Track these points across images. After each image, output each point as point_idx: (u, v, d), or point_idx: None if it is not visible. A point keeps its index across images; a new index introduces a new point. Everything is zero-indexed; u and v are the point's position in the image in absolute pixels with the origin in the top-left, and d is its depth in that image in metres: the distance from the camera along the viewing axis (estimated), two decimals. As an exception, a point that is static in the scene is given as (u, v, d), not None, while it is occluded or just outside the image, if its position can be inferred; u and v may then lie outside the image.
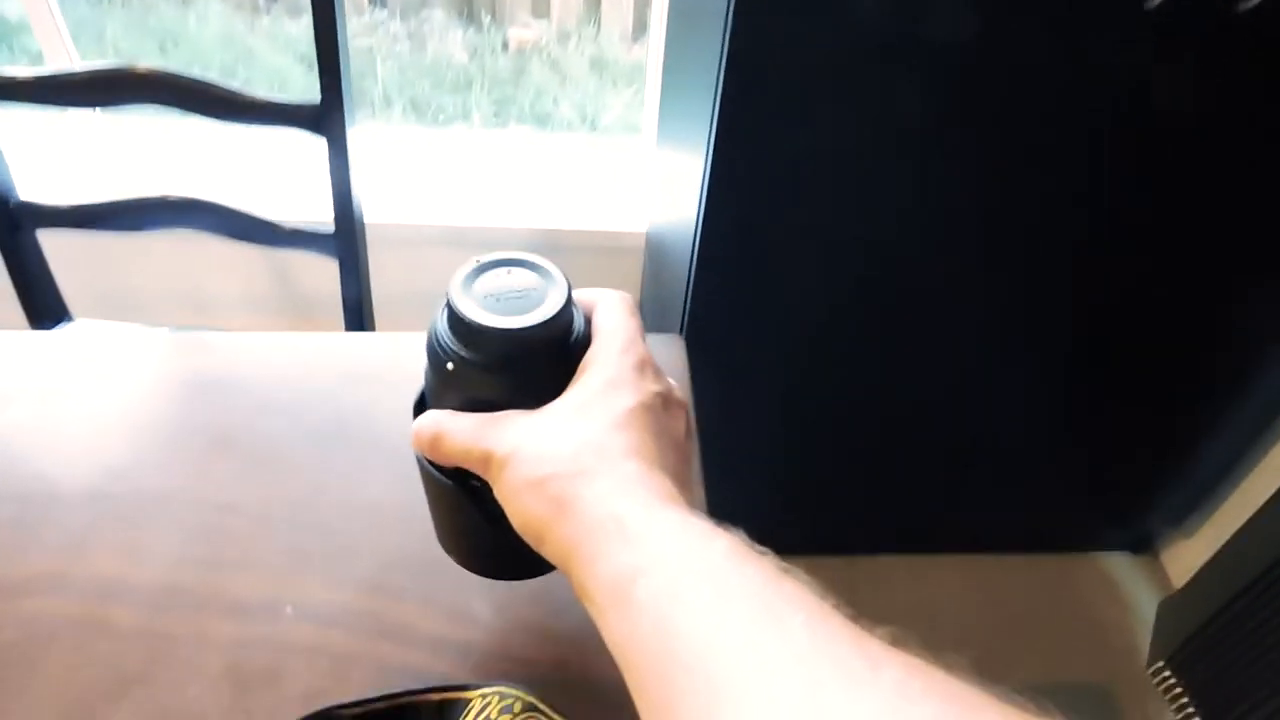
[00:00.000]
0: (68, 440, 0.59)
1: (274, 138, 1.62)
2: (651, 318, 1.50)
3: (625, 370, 0.39)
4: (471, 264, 0.41)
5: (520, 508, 0.36)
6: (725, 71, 0.94)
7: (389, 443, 0.61)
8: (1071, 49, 0.95)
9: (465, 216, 1.62)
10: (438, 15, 2.27)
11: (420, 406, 0.45)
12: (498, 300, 0.39)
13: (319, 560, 0.54)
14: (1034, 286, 1.19)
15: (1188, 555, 1.46)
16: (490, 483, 0.38)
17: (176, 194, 1.04)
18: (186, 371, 0.66)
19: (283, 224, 1.04)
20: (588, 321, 0.42)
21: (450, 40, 2.32)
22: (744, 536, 0.32)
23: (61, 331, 1.11)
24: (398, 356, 0.68)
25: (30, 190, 1.04)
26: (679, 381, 0.43)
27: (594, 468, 0.35)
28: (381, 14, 2.22)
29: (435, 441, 0.39)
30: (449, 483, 0.43)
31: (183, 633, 0.49)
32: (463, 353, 0.39)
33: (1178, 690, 1.31)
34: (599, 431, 0.36)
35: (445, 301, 0.40)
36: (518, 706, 0.42)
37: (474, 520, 0.45)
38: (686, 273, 1.16)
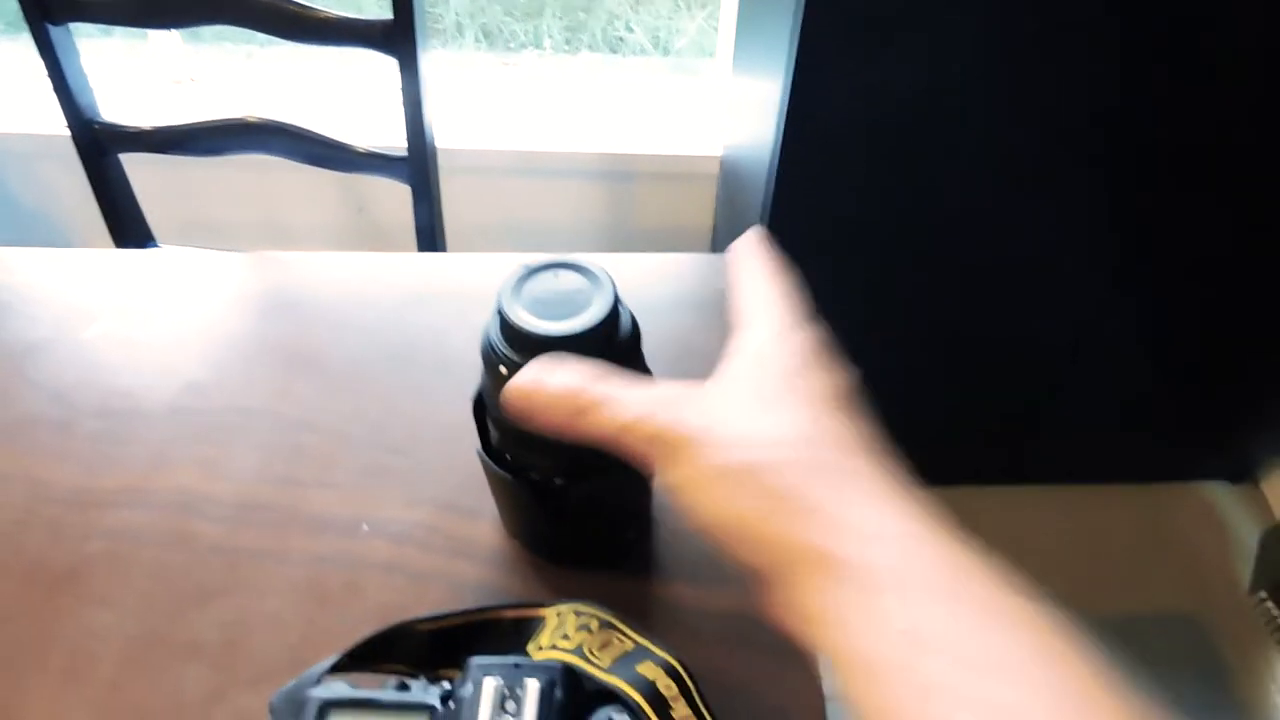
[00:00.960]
0: (151, 356, 0.60)
1: (350, 62, 1.62)
2: (725, 244, 1.46)
3: (804, 346, 0.34)
4: (520, 269, 0.42)
5: (714, 498, 0.30)
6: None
7: (463, 363, 0.60)
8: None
9: (538, 142, 1.60)
10: None
11: (479, 406, 0.46)
12: (546, 305, 0.40)
13: (394, 479, 0.54)
14: (1127, 213, 1.13)
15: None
16: (656, 467, 0.33)
17: (253, 117, 1.04)
18: (265, 291, 0.67)
19: (356, 148, 1.03)
20: (634, 321, 0.43)
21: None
22: None
23: (146, 253, 1.14)
24: (470, 277, 0.67)
25: (112, 113, 1.05)
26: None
27: (824, 460, 0.30)
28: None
29: (581, 411, 0.34)
30: (510, 477, 0.45)
31: (262, 547, 0.50)
32: (515, 358, 0.40)
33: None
34: (812, 417, 0.31)
35: (496, 307, 0.41)
36: (594, 624, 0.41)
37: (537, 514, 0.47)
38: (763, 198, 1.12)
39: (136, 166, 1.10)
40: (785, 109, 1.00)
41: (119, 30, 1.39)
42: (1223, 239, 1.16)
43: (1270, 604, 1.28)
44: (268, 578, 0.48)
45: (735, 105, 1.43)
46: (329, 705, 0.37)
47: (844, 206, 1.11)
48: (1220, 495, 1.50)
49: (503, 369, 0.41)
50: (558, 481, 0.45)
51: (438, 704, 0.37)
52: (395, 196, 1.08)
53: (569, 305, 0.41)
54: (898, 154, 1.05)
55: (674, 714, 0.37)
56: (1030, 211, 1.12)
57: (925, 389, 1.33)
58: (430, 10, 1.83)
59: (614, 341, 0.42)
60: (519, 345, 0.40)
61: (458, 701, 0.36)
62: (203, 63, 1.69)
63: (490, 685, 0.36)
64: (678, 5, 1.98)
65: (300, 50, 1.03)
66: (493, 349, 0.42)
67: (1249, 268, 1.19)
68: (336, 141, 1.04)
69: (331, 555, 0.50)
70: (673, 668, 0.38)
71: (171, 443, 0.55)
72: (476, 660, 0.37)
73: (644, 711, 0.37)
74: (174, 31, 1.55)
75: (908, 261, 1.18)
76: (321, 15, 0.93)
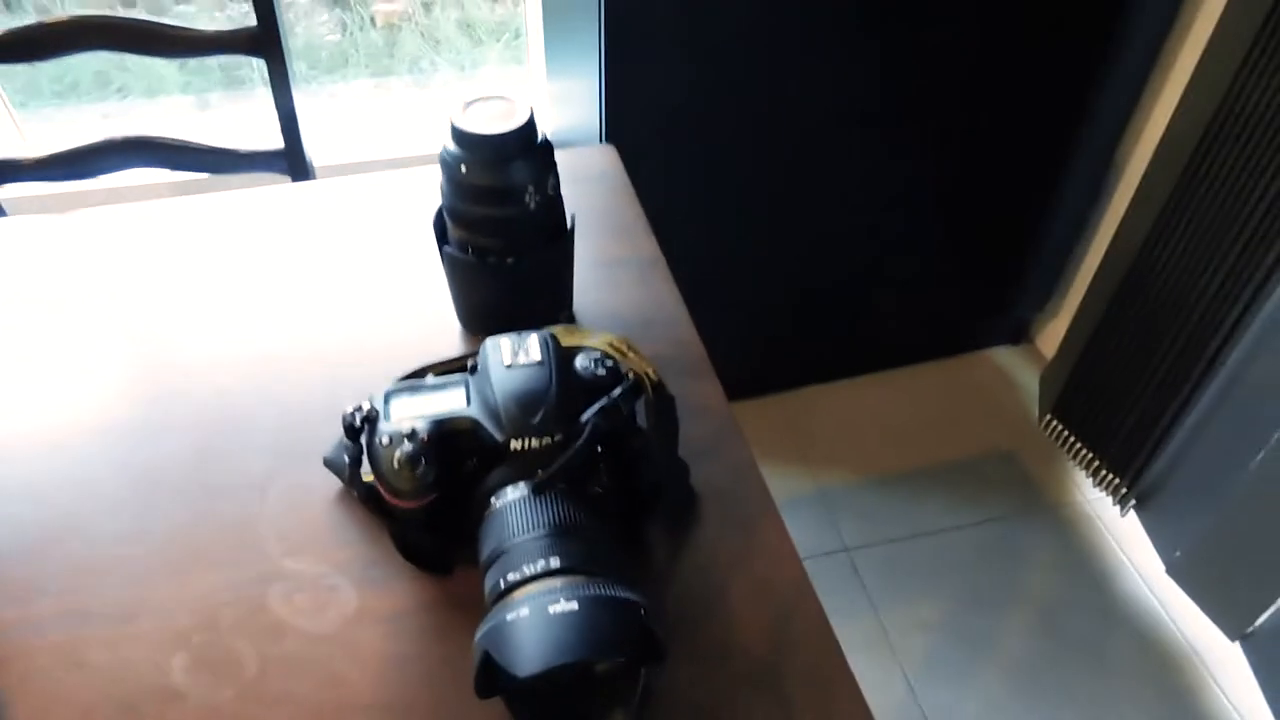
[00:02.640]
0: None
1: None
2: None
3: None
4: (462, 102, 0.59)
5: None
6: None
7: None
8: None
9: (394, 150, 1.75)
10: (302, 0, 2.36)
11: (439, 220, 0.62)
12: (483, 119, 0.58)
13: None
14: (893, 120, 1.40)
15: (1056, 334, 1.72)
16: None
17: (126, 135, 1.13)
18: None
19: (237, 149, 1.15)
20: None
21: (317, 22, 2.41)
22: None
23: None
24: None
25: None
26: (621, 191, 0.61)
27: None
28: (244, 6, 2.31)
29: None
30: (474, 260, 0.61)
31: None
32: (466, 156, 0.57)
33: (1066, 434, 1.56)
34: None
35: (449, 125, 0.58)
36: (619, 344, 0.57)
37: (493, 290, 0.63)
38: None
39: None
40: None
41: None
42: (973, 126, 1.45)
43: (1056, 423, 1.58)
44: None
45: (554, 104, 1.63)
46: (390, 394, 0.53)
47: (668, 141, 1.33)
48: (1005, 356, 1.82)
49: (463, 168, 0.58)
50: (508, 260, 0.63)
51: (468, 373, 0.53)
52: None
53: (500, 119, 0.59)
54: (714, 91, 1.29)
55: (629, 359, 0.55)
56: (817, 117, 1.37)
57: (748, 303, 1.57)
58: (236, 74, 1.96)
59: (534, 142, 0.60)
60: (468, 146, 0.58)
61: (482, 361, 0.52)
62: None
63: (505, 341, 0.52)
64: (477, 39, 2.18)
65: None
66: (448, 155, 0.59)
67: (985, 155, 1.50)
68: (214, 146, 1.15)
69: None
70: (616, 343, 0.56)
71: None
72: (489, 338, 0.53)
73: (607, 352, 0.55)
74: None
75: (726, 177, 1.42)
76: (191, 31, 1.06)
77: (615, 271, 0.75)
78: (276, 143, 1.15)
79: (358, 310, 0.72)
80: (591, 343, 0.55)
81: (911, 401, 1.74)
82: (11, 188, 1.15)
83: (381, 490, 0.51)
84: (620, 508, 0.53)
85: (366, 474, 0.52)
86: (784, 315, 1.63)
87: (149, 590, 0.54)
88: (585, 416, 0.50)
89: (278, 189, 0.85)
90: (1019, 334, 1.83)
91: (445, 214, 0.62)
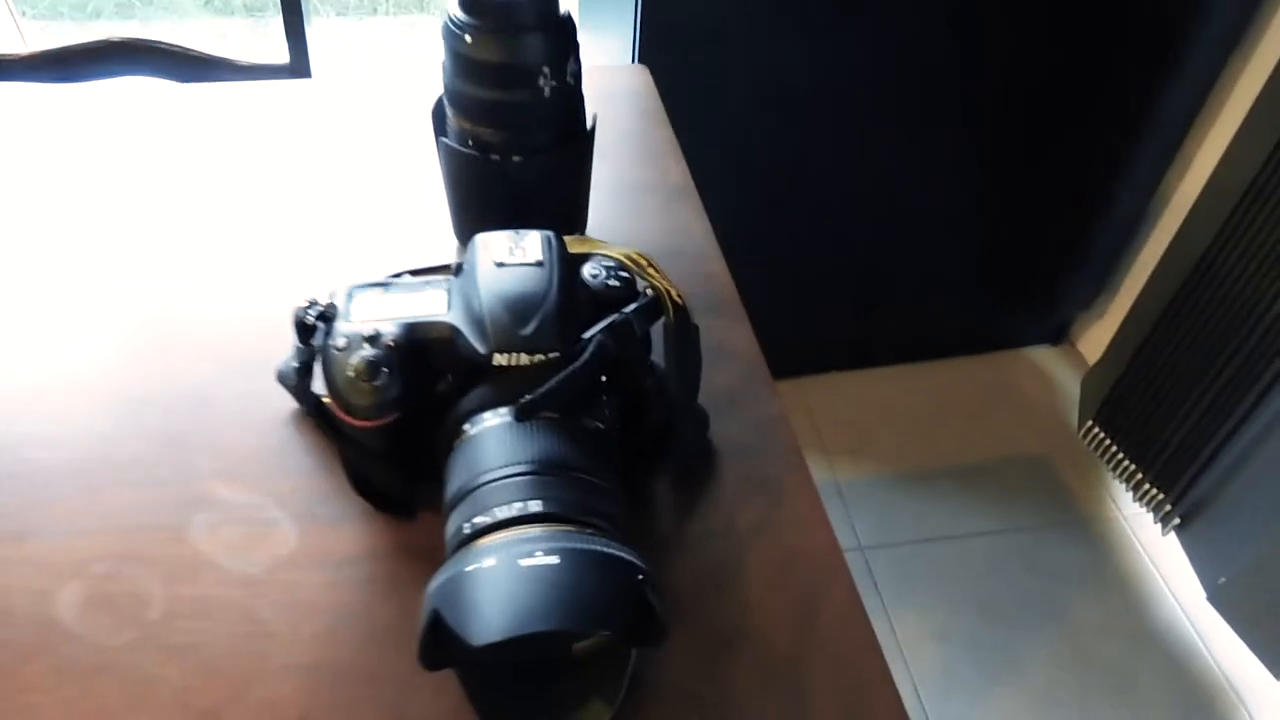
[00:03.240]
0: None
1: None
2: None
3: None
4: None
5: None
6: None
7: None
8: None
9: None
10: None
11: (439, 110, 0.53)
12: None
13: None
14: (930, 99, 1.30)
15: (1101, 338, 1.60)
16: None
17: (124, 37, 1.04)
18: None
19: (237, 61, 1.06)
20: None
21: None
22: None
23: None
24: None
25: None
26: (652, 113, 0.50)
27: None
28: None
29: None
30: (476, 154, 0.51)
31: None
32: (473, 23, 0.47)
33: (1108, 443, 1.45)
34: None
35: None
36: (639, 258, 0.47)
37: (494, 192, 0.53)
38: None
39: None
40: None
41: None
42: (1024, 120, 1.35)
43: (1098, 430, 1.47)
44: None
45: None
46: (356, 290, 0.43)
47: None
48: (1043, 356, 1.71)
49: (468, 38, 0.49)
50: (515, 159, 0.53)
51: (453, 274, 0.44)
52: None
53: None
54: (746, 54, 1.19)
55: (649, 274, 0.45)
56: (850, 99, 1.27)
57: (773, 283, 1.47)
58: None
59: (553, 14, 0.50)
60: (475, 11, 0.48)
61: (469, 260, 0.43)
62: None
63: (499, 237, 0.43)
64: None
65: None
66: (452, 23, 0.49)
67: (1034, 145, 1.40)
68: (214, 55, 1.06)
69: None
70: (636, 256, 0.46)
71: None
72: (481, 234, 0.44)
73: (624, 263, 0.45)
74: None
75: (755, 151, 1.32)
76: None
77: (638, 197, 0.65)
78: (282, 57, 1.06)
79: (342, 215, 0.62)
80: (606, 253, 0.45)
81: (939, 397, 1.64)
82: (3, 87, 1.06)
83: (334, 406, 0.41)
84: (623, 453, 0.43)
85: (319, 387, 0.43)
86: (808, 291, 1.52)
87: (47, 507, 0.45)
88: (590, 333, 0.41)
89: (271, 85, 0.76)
90: (1059, 334, 1.71)
91: (445, 99, 0.53)
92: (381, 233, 0.61)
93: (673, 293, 0.45)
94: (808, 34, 1.19)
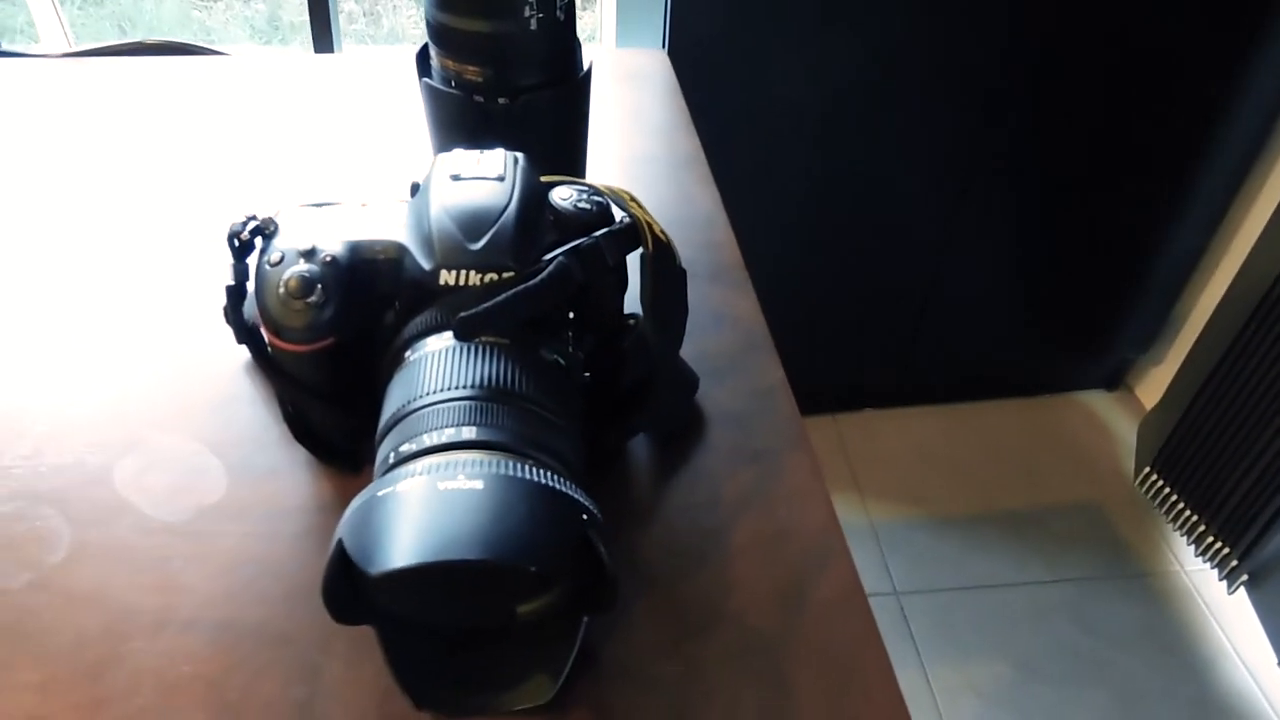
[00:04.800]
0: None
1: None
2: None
3: None
4: None
5: None
6: None
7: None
8: None
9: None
10: None
11: (423, 53, 0.50)
12: None
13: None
14: (994, 134, 1.25)
15: (1158, 382, 1.51)
16: None
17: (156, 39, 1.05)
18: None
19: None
20: None
21: (405, 17, 2.39)
22: None
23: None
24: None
25: None
26: (668, 94, 0.46)
27: None
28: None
29: None
30: (459, 94, 0.47)
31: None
32: None
33: (1166, 490, 1.35)
34: None
35: None
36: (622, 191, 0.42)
37: (480, 134, 0.49)
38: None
39: None
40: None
41: None
42: (1081, 157, 1.29)
43: (1156, 478, 1.37)
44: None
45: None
46: (303, 206, 0.39)
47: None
48: (1097, 401, 1.61)
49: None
50: (500, 100, 0.49)
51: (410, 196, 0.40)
52: None
53: None
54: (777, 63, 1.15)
55: (630, 206, 0.40)
56: (893, 136, 1.23)
57: (815, 315, 1.41)
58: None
59: None
60: None
61: (426, 177, 0.38)
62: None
63: (460, 153, 0.38)
64: None
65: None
66: None
67: (1085, 188, 1.33)
68: (242, 60, 1.06)
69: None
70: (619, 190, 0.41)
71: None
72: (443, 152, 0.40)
73: (602, 190, 0.40)
74: None
75: (794, 201, 1.27)
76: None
77: (644, 168, 0.61)
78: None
79: (323, 169, 0.59)
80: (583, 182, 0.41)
81: (984, 440, 1.55)
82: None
83: (265, 332, 0.37)
84: (594, 409, 0.38)
85: (251, 312, 0.39)
86: (846, 324, 1.46)
87: (-36, 441, 0.41)
88: (551, 255, 0.36)
89: (274, 59, 0.74)
90: (1114, 378, 1.62)
91: (428, 35, 0.49)
92: (366, 178, 0.57)
93: (654, 227, 0.40)
94: (856, 58, 1.16)
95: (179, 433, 0.42)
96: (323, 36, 1.05)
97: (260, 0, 2.43)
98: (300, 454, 0.41)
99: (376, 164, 0.60)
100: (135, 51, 1.04)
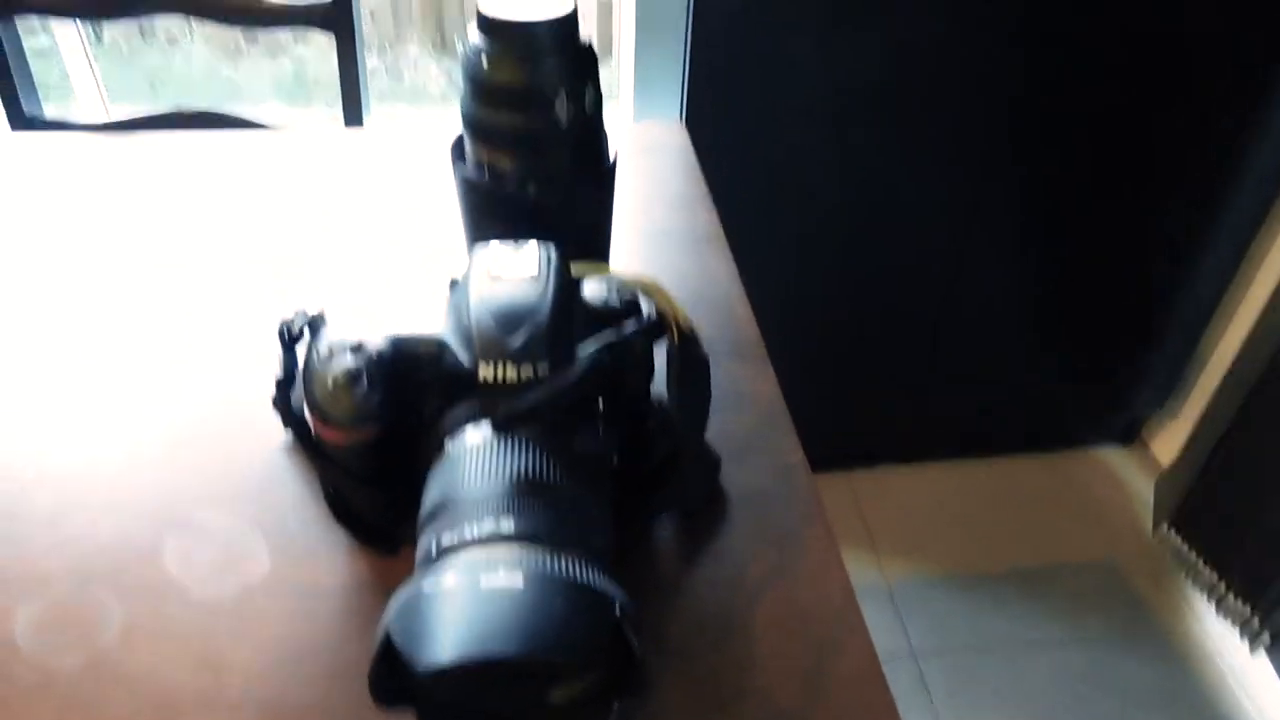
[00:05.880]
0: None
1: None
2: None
3: None
4: None
5: None
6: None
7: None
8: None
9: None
10: (412, 50, 2.41)
11: (458, 145, 0.52)
12: (518, 5, 0.47)
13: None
14: (1008, 187, 1.27)
15: (1174, 437, 1.51)
16: None
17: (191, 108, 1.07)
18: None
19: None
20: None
21: (427, 75, 2.46)
22: None
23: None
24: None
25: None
26: (686, 167, 0.48)
27: None
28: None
29: None
30: (489, 184, 0.50)
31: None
32: (493, 45, 0.47)
33: (1185, 549, 1.34)
34: None
35: (476, 14, 0.47)
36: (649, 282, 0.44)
37: (510, 224, 0.51)
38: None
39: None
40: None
41: None
42: (1094, 208, 1.31)
43: (1175, 536, 1.37)
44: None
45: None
46: (349, 300, 0.41)
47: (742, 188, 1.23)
48: (1113, 457, 1.61)
49: (484, 61, 0.48)
50: (530, 188, 0.51)
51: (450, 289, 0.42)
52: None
53: (534, 8, 0.48)
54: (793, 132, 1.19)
55: (656, 297, 0.42)
56: (907, 185, 1.25)
57: (822, 370, 1.42)
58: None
59: (572, 40, 0.49)
60: (491, 34, 0.47)
61: (465, 272, 0.41)
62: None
63: (497, 248, 0.41)
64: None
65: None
66: (470, 49, 0.48)
67: (1097, 244, 1.35)
68: (274, 127, 1.09)
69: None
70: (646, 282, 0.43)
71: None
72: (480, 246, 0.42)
73: (628, 284, 0.42)
74: None
75: (810, 247, 1.30)
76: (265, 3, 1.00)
77: (664, 242, 0.63)
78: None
79: (362, 253, 0.61)
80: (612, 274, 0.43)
81: (999, 496, 1.55)
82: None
83: (311, 419, 0.39)
84: (621, 487, 0.40)
85: (299, 401, 0.41)
86: (858, 378, 1.47)
87: (22, 520, 0.43)
88: (584, 351, 0.38)
89: (309, 133, 0.77)
90: (1129, 433, 1.62)
91: (463, 127, 0.52)
92: (402, 266, 0.60)
93: (680, 317, 0.42)
94: (862, 114, 1.19)
95: (225, 510, 0.44)
96: (351, 95, 1.08)
97: (287, 57, 2.51)
98: (340, 534, 0.43)
99: (412, 240, 0.62)
100: (172, 122, 1.08)
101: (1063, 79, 1.18)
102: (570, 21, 0.48)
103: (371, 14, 2.39)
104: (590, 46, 0.50)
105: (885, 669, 0.38)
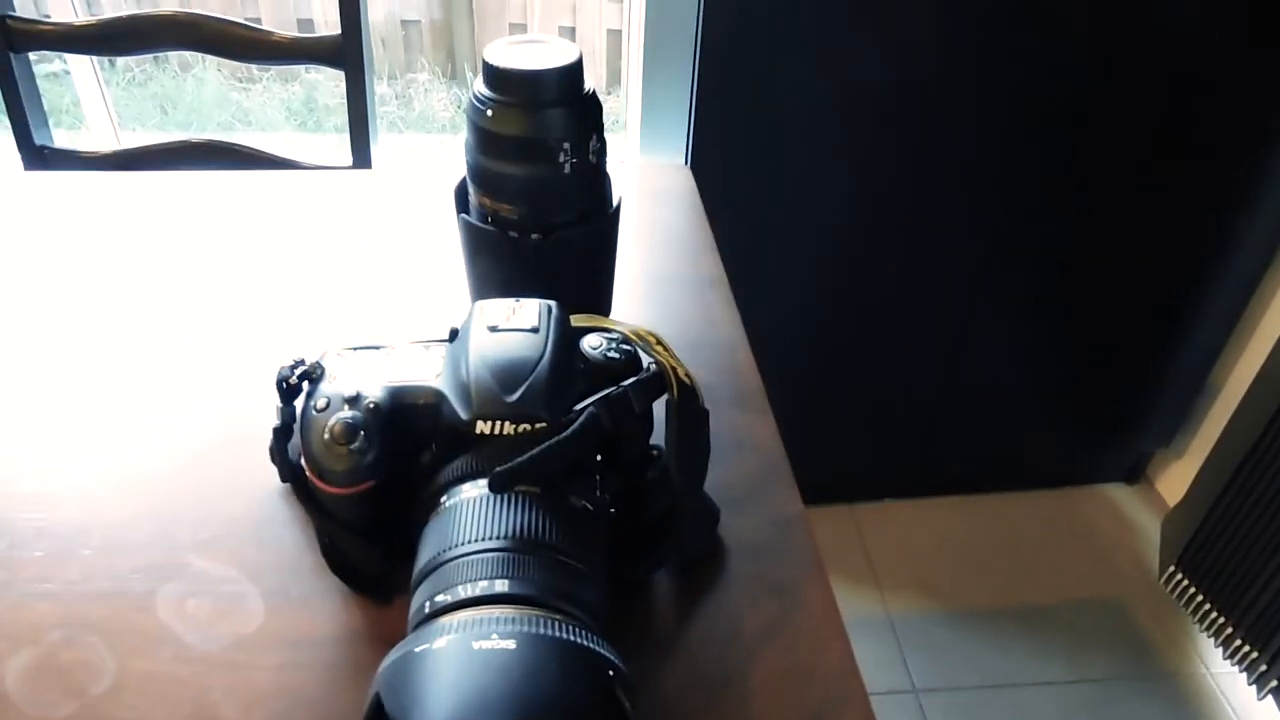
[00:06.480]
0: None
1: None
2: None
3: None
4: (496, 43, 0.49)
5: None
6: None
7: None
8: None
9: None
10: (422, 77, 2.44)
11: (461, 191, 0.53)
12: (522, 57, 0.48)
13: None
14: (1015, 225, 1.28)
15: (1181, 476, 1.50)
16: None
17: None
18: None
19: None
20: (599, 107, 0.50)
21: (435, 100, 2.49)
22: None
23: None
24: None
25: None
26: (691, 211, 0.49)
27: None
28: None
29: None
30: (494, 230, 0.50)
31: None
32: (498, 96, 0.47)
33: (1192, 590, 1.33)
34: None
35: (481, 64, 0.48)
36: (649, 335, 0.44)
37: (514, 270, 0.52)
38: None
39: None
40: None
41: None
42: (1103, 248, 1.32)
43: (1182, 578, 1.36)
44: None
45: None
46: (347, 350, 0.41)
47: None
48: (1119, 495, 1.60)
49: (489, 111, 0.48)
50: (533, 236, 0.52)
51: (448, 341, 0.42)
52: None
53: (539, 58, 0.49)
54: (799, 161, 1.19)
55: (655, 350, 0.42)
56: (919, 225, 1.26)
57: (825, 405, 1.42)
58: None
59: (576, 90, 0.49)
60: (496, 85, 0.48)
61: (464, 325, 0.41)
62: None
63: (496, 303, 0.41)
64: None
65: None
66: (475, 98, 0.49)
67: (1124, 281, 1.35)
68: (283, 158, 1.10)
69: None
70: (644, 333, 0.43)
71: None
72: (479, 301, 0.42)
73: (628, 336, 0.42)
74: None
75: (813, 291, 1.30)
76: (275, 38, 1.02)
77: (667, 287, 0.64)
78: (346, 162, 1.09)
79: (369, 295, 0.62)
80: (610, 327, 0.43)
81: (1003, 533, 1.54)
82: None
83: (307, 471, 0.39)
84: (618, 542, 0.39)
85: (296, 451, 0.41)
86: (863, 413, 1.47)
87: (16, 568, 0.43)
88: (582, 405, 0.38)
89: (312, 173, 0.77)
90: (1135, 472, 1.61)
91: (468, 175, 0.52)
92: (405, 312, 0.60)
93: (679, 371, 0.42)
94: (862, 154, 1.19)
95: (219, 559, 0.44)
96: (359, 130, 1.09)
97: (297, 83, 2.54)
98: (333, 582, 0.43)
99: (415, 284, 0.63)
100: (180, 152, 1.09)
101: (1070, 116, 1.19)
102: (575, 70, 0.49)
103: (383, 41, 2.42)
104: (594, 95, 0.50)
105: (887, 705, 0.38)
